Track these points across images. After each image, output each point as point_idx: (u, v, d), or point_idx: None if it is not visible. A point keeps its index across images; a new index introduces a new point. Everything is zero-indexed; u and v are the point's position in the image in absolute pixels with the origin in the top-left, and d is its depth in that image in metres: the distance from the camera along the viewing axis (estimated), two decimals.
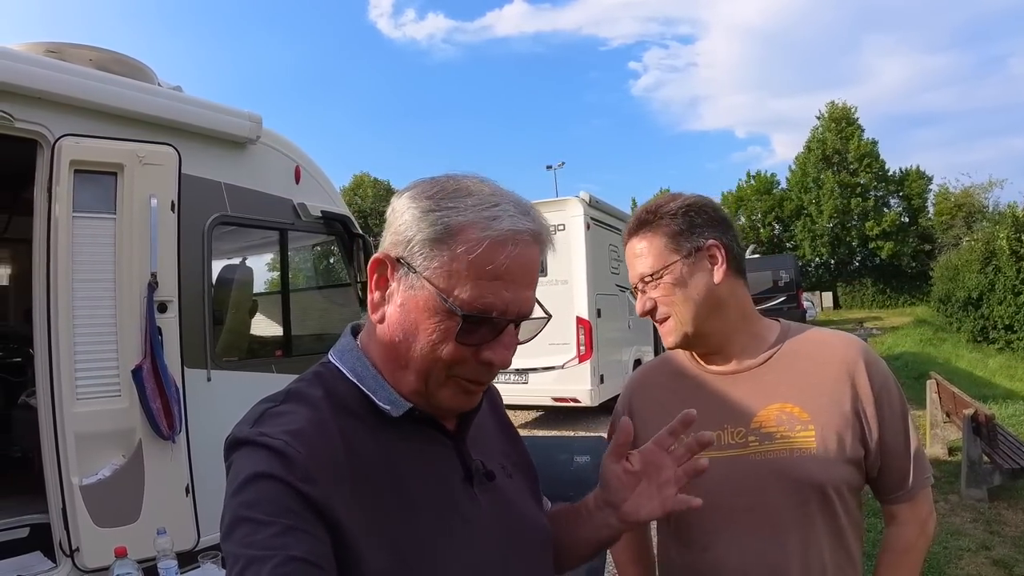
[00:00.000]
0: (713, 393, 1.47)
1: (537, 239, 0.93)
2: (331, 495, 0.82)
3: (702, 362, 1.52)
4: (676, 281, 1.41)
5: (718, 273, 1.42)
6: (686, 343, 1.46)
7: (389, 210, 0.98)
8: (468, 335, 0.90)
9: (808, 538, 1.34)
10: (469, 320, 0.88)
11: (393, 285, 0.95)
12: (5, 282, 7.15)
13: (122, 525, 3.10)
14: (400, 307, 0.93)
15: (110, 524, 3.08)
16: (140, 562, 2.43)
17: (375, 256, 0.96)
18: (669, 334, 1.46)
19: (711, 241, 1.42)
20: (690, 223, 1.43)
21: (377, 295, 0.96)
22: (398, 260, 0.93)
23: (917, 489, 1.42)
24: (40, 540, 3.30)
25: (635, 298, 1.52)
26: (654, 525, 1.57)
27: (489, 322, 0.90)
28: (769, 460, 1.36)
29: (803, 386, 1.40)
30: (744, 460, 1.38)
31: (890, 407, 1.39)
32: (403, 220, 0.93)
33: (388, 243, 0.95)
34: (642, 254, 1.45)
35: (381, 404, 0.94)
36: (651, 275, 1.43)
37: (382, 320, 0.96)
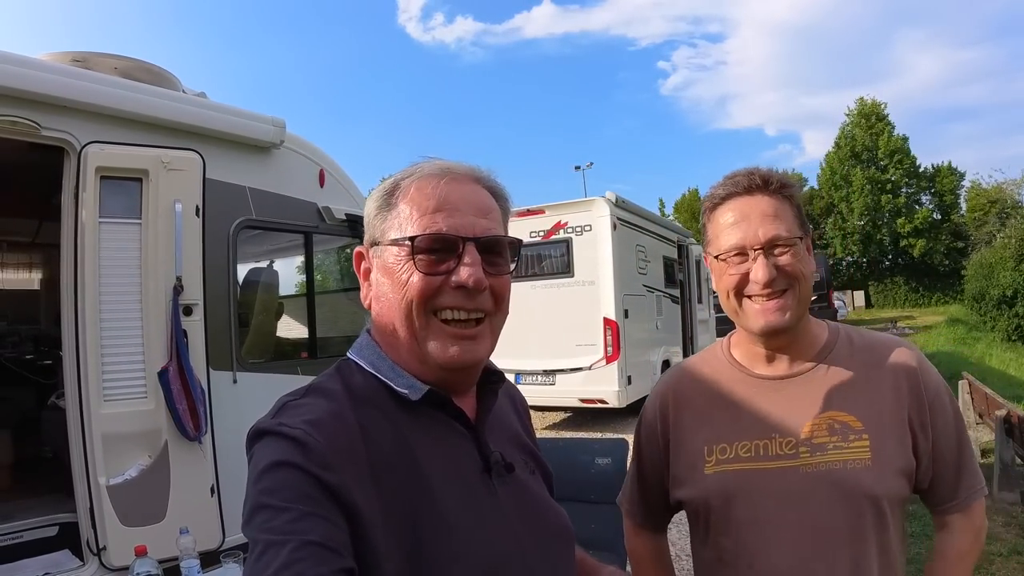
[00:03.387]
0: (760, 400, 1.38)
1: (477, 180, 1.03)
2: (349, 482, 0.84)
3: (746, 365, 1.44)
4: (803, 255, 1.31)
5: (813, 263, 1.37)
6: (792, 323, 1.31)
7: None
8: (428, 262, 0.96)
9: (859, 554, 1.26)
10: (420, 243, 0.95)
11: (373, 271, 1.04)
12: (36, 286, 7.30)
13: (148, 524, 3.15)
14: (375, 280, 1.03)
15: (136, 523, 3.13)
16: (164, 561, 2.46)
17: (355, 252, 1.06)
18: (780, 311, 1.30)
19: (808, 230, 1.37)
20: (802, 206, 1.36)
21: (365, 286, 1.05)
22: (370, 245, 1.04)
23: (971, 500, 1.37)
24: (69, 539, 3.38)
25: (732, 264, 1.33)
26: (678, 543, 1.50)
27: (442, 242, 0.96)
28: (822, 472, 1.28)
29: (856, 393, 1.33)
30: (794, 472, 1.30)
31: (943, 416, 1.33)
32: (366, 213, 1.06)
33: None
34: (776, 215, 1.30)
35: (400, 389, 0.98)
36: (785, 240, 1.29)
37: (372, 304, 1.04)
